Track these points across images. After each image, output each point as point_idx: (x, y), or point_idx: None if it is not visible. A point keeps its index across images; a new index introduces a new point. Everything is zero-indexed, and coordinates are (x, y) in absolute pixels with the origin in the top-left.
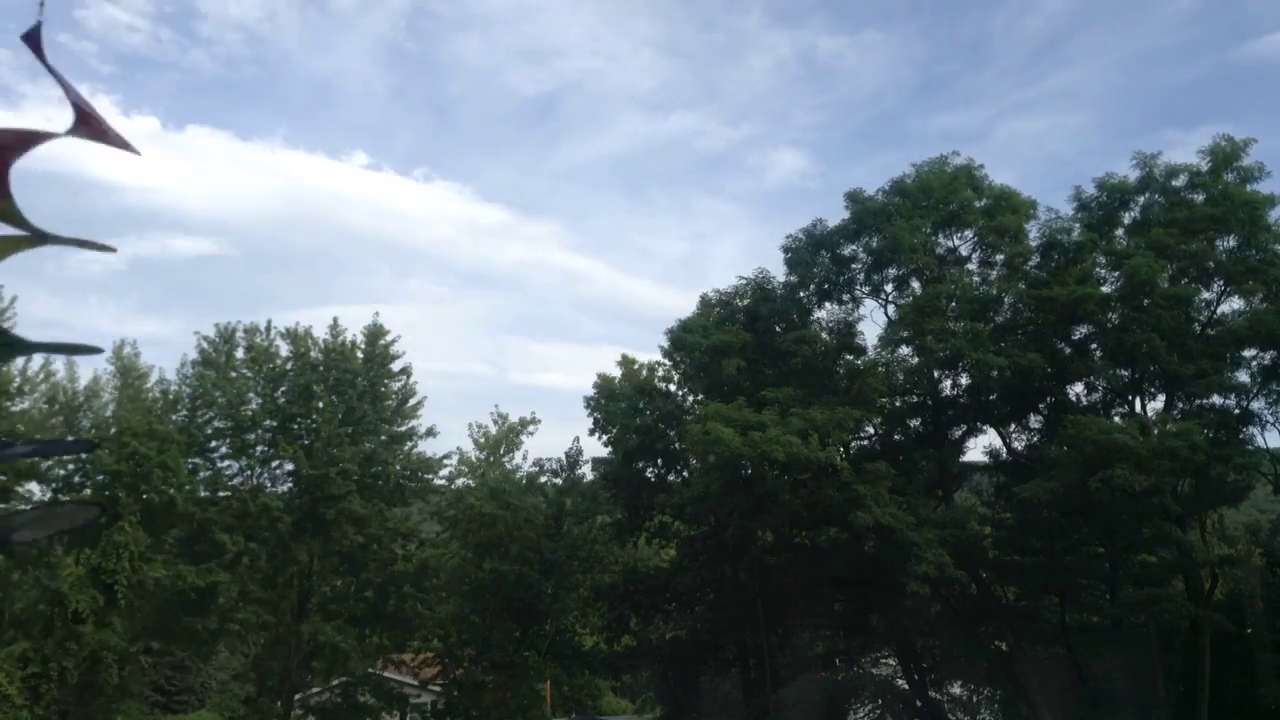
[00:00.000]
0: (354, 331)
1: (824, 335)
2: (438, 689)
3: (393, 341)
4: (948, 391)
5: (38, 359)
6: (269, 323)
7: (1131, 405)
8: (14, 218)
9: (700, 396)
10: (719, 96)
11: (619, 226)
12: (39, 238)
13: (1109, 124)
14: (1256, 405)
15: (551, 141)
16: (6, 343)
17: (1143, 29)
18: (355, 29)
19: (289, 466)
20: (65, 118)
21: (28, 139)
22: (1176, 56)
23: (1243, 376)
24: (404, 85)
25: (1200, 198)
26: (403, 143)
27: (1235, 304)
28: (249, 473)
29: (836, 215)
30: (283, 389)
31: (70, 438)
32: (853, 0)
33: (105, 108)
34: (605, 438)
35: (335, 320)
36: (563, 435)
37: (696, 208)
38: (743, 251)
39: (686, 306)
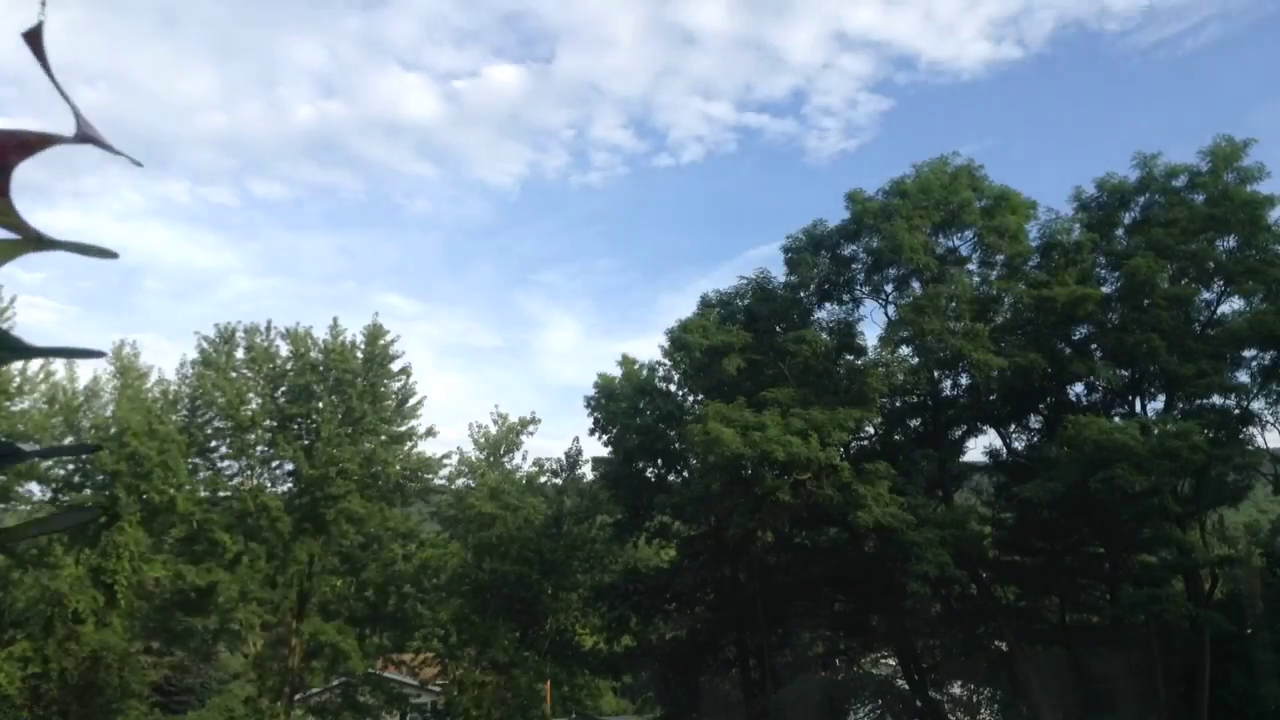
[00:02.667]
0: (354, 332)
1: (824, 335)
2: (438, 689)
3: (392, 341)
4: (948, 391)
5: (37, 359)
6: (269, 323)
7: (1131, 405)
8: (14, 222)
9: (700, 396)
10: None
11: None
12: (39, 242)
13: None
14: (1256, 405)
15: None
16: (8, 347)
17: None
18: None
19: (289, 466)
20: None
21: (31, 142)
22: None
23: (1243, 376)
24: None
25: (1200, 198)
26: None
27: (1235, 304)
28: (249, 473)
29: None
30: (283, 389)
31: (70, 439)
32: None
33: None
34: (605, 438)
35: (335, 320)
36: None
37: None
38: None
39: None
